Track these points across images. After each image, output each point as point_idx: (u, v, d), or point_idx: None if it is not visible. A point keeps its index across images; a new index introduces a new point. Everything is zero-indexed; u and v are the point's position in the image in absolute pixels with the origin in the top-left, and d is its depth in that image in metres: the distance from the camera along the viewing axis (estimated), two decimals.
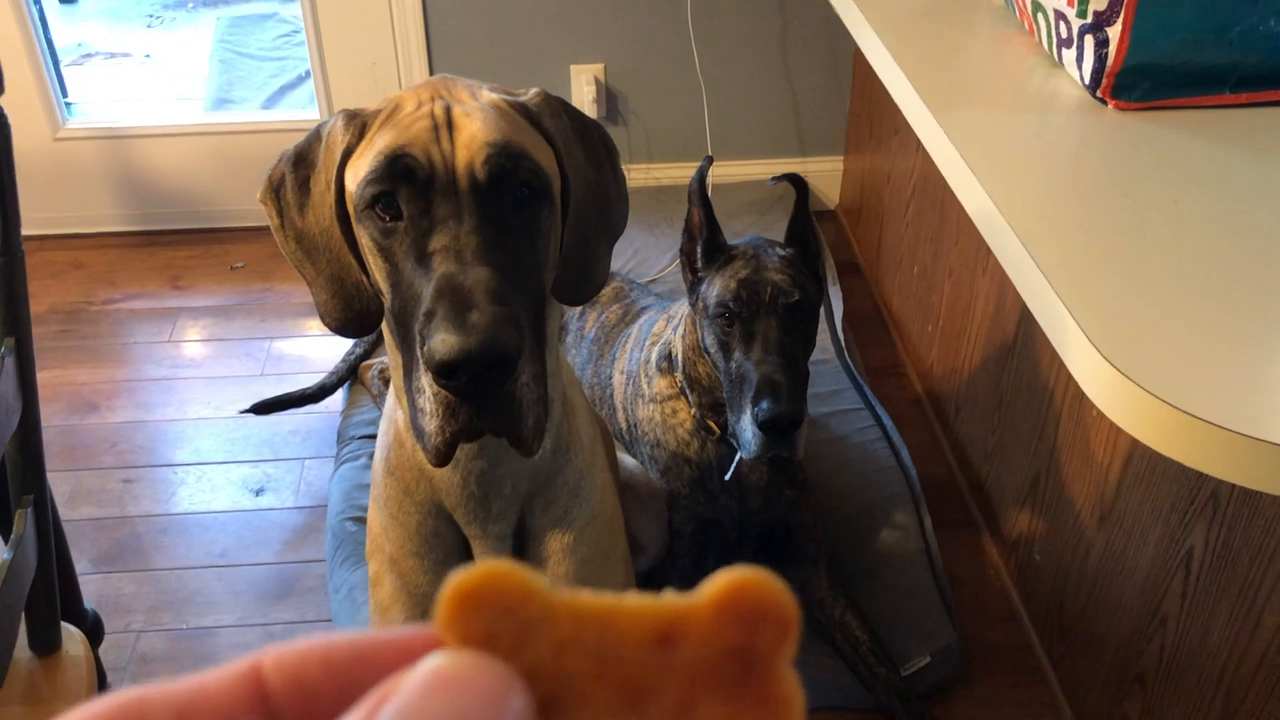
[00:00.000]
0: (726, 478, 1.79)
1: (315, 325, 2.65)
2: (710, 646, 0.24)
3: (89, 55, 3.96)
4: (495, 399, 0.90)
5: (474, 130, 0.93)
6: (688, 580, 1.83)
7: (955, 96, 1.31)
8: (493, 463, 1.07)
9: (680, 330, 1.84)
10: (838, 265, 2.78)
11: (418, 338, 0.89)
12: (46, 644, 1.32)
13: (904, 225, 2.53)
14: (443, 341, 0.84)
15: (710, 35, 2.79)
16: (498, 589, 0.24)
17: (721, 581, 0.25)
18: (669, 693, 0.24)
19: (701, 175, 1.78)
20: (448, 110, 0.94)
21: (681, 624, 0.25)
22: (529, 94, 1.03)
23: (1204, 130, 1.20)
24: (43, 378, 2.46)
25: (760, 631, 0.24)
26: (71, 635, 1.36)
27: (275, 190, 1.05)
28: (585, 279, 1.06)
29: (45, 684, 1.31)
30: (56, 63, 2.86)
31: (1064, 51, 1.30)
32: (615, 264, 2.62)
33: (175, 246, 2.91)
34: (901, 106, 1.36)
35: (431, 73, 2.80)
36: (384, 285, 0.96)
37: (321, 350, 2.54)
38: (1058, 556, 1.83)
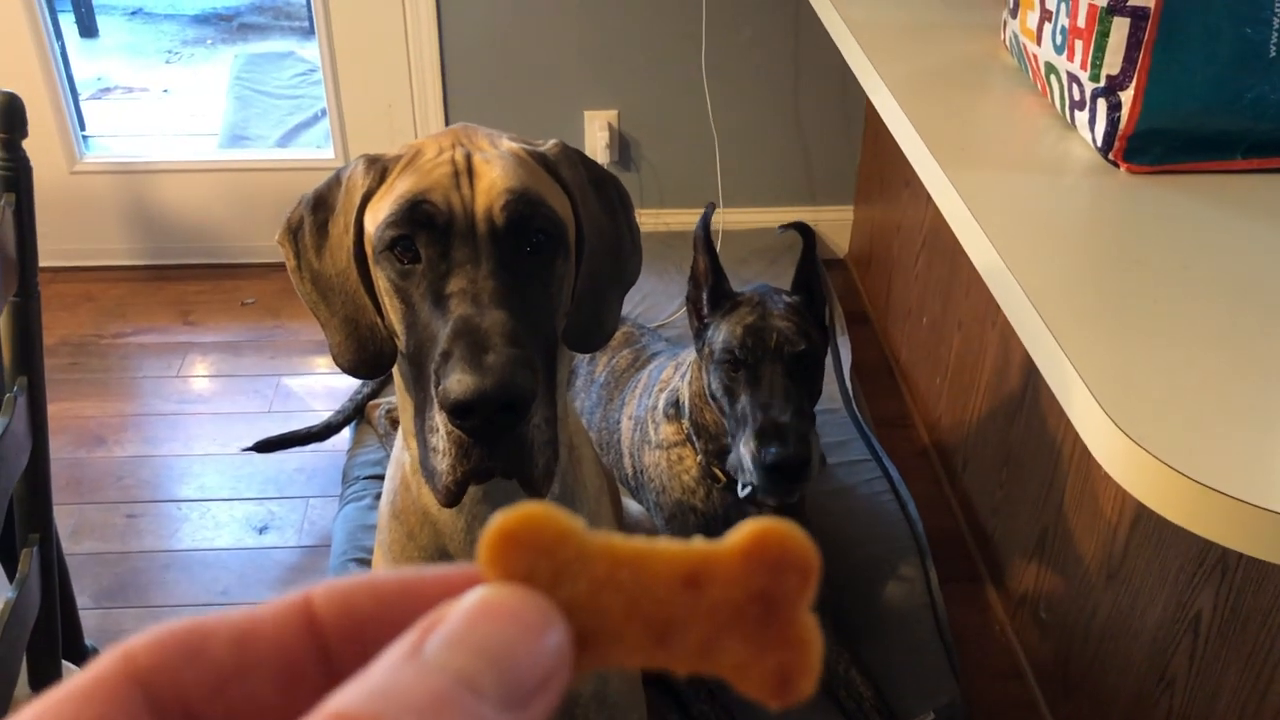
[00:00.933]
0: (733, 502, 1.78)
1: (324, 363, 2.66)
2: (735, 590, 0.26)
3: (108, 90, 4.00)
4: (508, 440, 0.91)
5: (494, 177, 0.95)
6: None
7: (967, 155, 1.32)
8: (496, 507, 1.07)
9: (687, 377, 1.84)
10: (846, 315, 2.79)
11: (433, 377, 0.90)
12: (47, 683, 1.31)
13: (914, 276, 2.54)
14: (458, 381, 0.86)
15: (723, 84, 2.82)
16: (537, 530, 0.25)
17: (748, 529, 0.26)
18: (695, 631, 0.25)
19: (706, 222, 1.79)
20: (468, 157, 0.96)
21: (709, 568, 0.26)
22: (547, 144, 1.05)
23: (1215, 196, 1.20)
24: (51, 410, 2.46)
25: (783, 577, 0.26)
26: (72, 675, 1.35)
27: (293, 233, 1.06)
28: (596, 327, 1.07)
29: None
30: (75, 96, 2.89)
31: (1076, 113, 1.31)
32: (624, 309, 2.63)
33: (186, 281, 2.92)
34: (914, 163, 1.37)
35: (447, 115, 2.82)
36: (399, 327, 0.98)
37: (329, 388, 2.54)
38: (1064, 614, 1.82)
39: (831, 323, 2.68)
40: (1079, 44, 1.25)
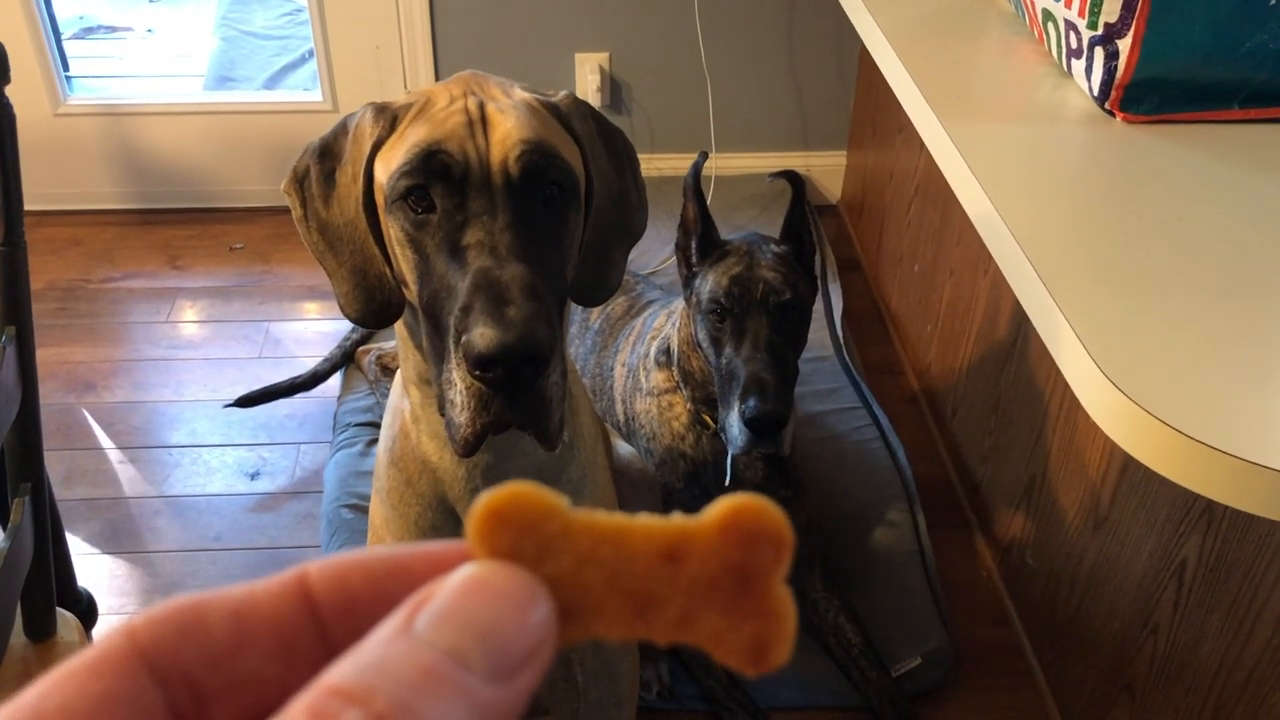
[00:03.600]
0: (726, 484, 1.79)
1: (314, 308, 2.65)
2: (712, 563, 0.27)
3: (90, 29, 3.94)
4: (526, 394, 0.91)
5: (509, 127, 0.94)
6: None
7: (962, 103, 1.31)
8: (499, 457, 1.08)
9: (677, 324, 1.84)
10: (838, 261, 2.78)
11: (452, 331, 0.90)
12: (42, 630, 1.32)
13: (906, 223, 2.53)
14: (482, 335, 0.86)
15: (717, 27, 2.78)
16: (523, 508, 0.26)
17: (724, 505, 0.27)
18: (674, 603, 0.26)
19: (697, 170, 1.78)
20: (481, 106, 0.95)
21: (687, 542, 0.27)
22: (559, 95, 1.04)
23: (1211, 145, 1.19)
24: (40, 356, 2.45)
25: (758, 550, 0.27)
26: (66, 621, 1.36)
27: (299, 182, 1.05)
28: (601, 281, 1.07)
29: (40, 670, 1.31)
30: (58, 37, 2.85)
31: (1073, 62, 1.29)
32: None
33: (174, 226, 2.90)
34: (908, 110, 1.35)
35: (436, 57, 2.78)
36: (410, 277, 0.97)
37: (320, 333, 2.54)
38: (1050, 561, 1.83)
39: (823, 270, 2.68)
40: None
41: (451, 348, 0.91)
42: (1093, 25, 1.22)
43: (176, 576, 1.98)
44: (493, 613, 0.23)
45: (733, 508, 0.27)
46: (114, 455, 2.22)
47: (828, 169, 3.05)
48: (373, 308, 1.03)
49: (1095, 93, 1.25)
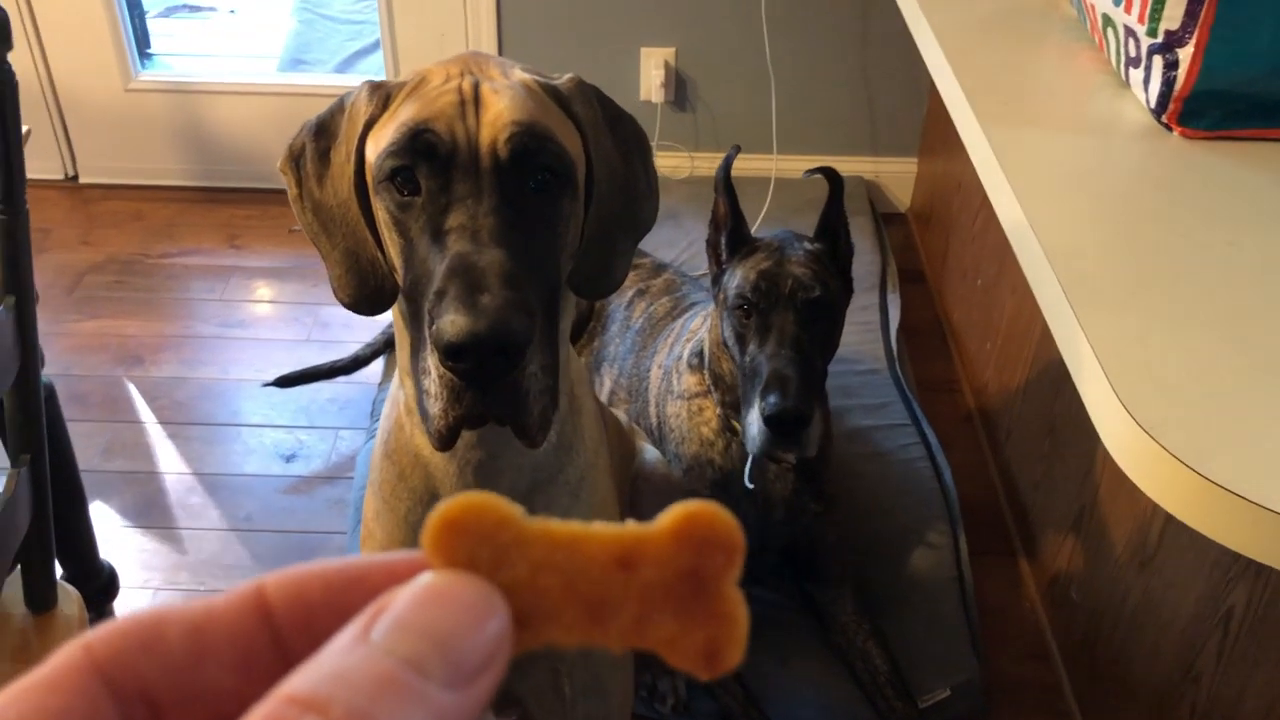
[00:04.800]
0: (748, 483, 1.73)
1: None
2: (666, 569, 0.27)
3: (175, 8, 4.00)
4: (502, 386, 0.87)
5: (500, 108, 0.90)
6: None
7: (1010, 110, 1.23)
8: (491, 454, 1.04)
9: (708, 325, 1.79)
10: (902, 272, 2.69)
11: (426, 317, 0.86)
12: (42, 601, 1.31)
13: (971, 236, 2.44)
14: (451, 323, 0.82)
15: (786, 25, 2.71)
16: (477, 517, 0.26)
17: (677, 512, 0.27)
18: (629, 609, 0.27)
19: (727, 164, 1.73)
20: (476, 86, 0.91)
21: (640, 549, 0.27)
22: (563, 78, 1.00)
23: (1273, 166, 1.11)
24: (94, 326, 2.49)
25: (710, 556, 0.27)
26: (68, 595, 1.35)
27: (295, 160, 1.02)
28: (604, 273, 1.02)
29: (37, 642, 1.30)
30: (135, 13, 2.88)
31: (1131, 71, 1.21)
32: (670, 255, 2.57)
33: (235, 205, 2.92)
34: (951, 112, 1.28)
35: (500, 47, 2.76)
36: (397, 261, 0.94)
37: (368, 320, 2.53)
38: (1095, 597, 1.74)
39: (883, 280, 2.59)
40: None
41: (426, 335, 0.87)
42: (1152, 32, 1.14)
43: (203, 555, 1.98)
44: (449, 621, 0.23)
45: (685, 514, 0.27)
46: (155, 430, 2.24)
47: (898, 176, 2.96)
48: (365, 293, 1.00)
49: (1152, 104, 1.17)
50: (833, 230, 1.69)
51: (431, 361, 0.87)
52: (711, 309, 1.83)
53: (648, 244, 2.53)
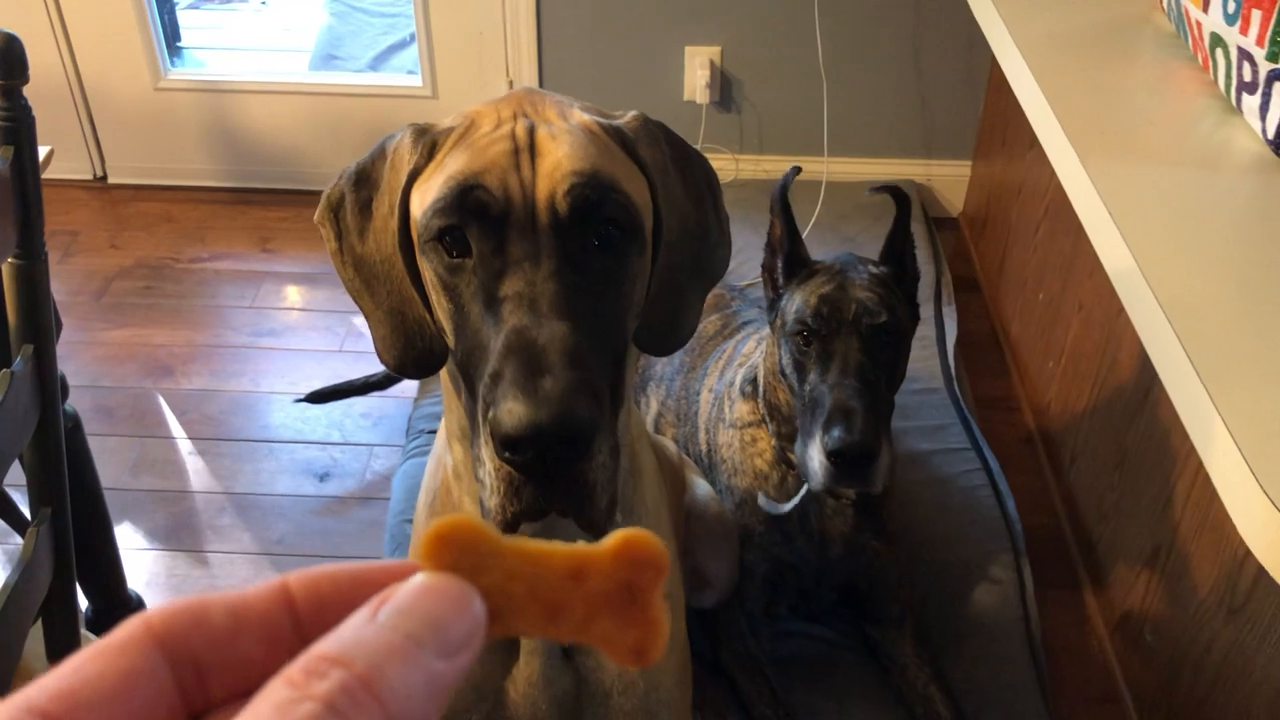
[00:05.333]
0: (786, 507, 1.63)
1: None
2: (609, 581, 0.33)
3: (205, 0, 3.93)
4: (565, 478, 0.78)
5: (559, 157, 0.81)
6: (757, 626, 1.69)
7: (1107, 139, 1.13)
8: (548, 526, 0.95)
9: (764, 351, 1.69)
10: (955, 281, 2.58)
11: (481, 401, 0.77)
12: (64, 656, 1.24)
13: (1033, 246, 2.33)
14: (509, 412, 0.73)
15: (836, 23, 2.60)
16: (462, 533, 0.32)
17: (617, 536, 0.33)
18: (577, 611, 0.33)
19: (785, 185, 1.63)
20: (531, 131, 0.83)
21: (589, 564, 0.33)
22: (626, 117, 0.91)
23: None
24: (123, 335, 2.43)
25: (642, 572, 0.33)
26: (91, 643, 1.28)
27: (334, 211, 0.93)
28: (672, 328, 0.93)
29: None
30: (166, 9, 2.81)
31: (1244, 97, 1.10)
32: None
33: (267, 206, 2.84)
34: (1044, 143, 1.18)
35: (540, 45, 2.66)
36: (447, 325, 0.85)
37: None
38: (1173, 641, 1.64)
39: (938, 291, 2.49)
40: (1256, 15, 1.05)
41: (480, 421, 0.78)
42: (1273, 57, 1.03)
43: (234, 580, 1.91)
44: (439, 608, 0.29)
45: (624, 538, 0.33)
46: (184, 446, 2.17)
47: (950, 179, 2.84)
48: (412, 355, 0.91)
49: (1270, 135, 1.06)
50: (899, 253, 1.59)
51: (487, 453, 0.78)
52: (766, 332, 1.74)
53: None
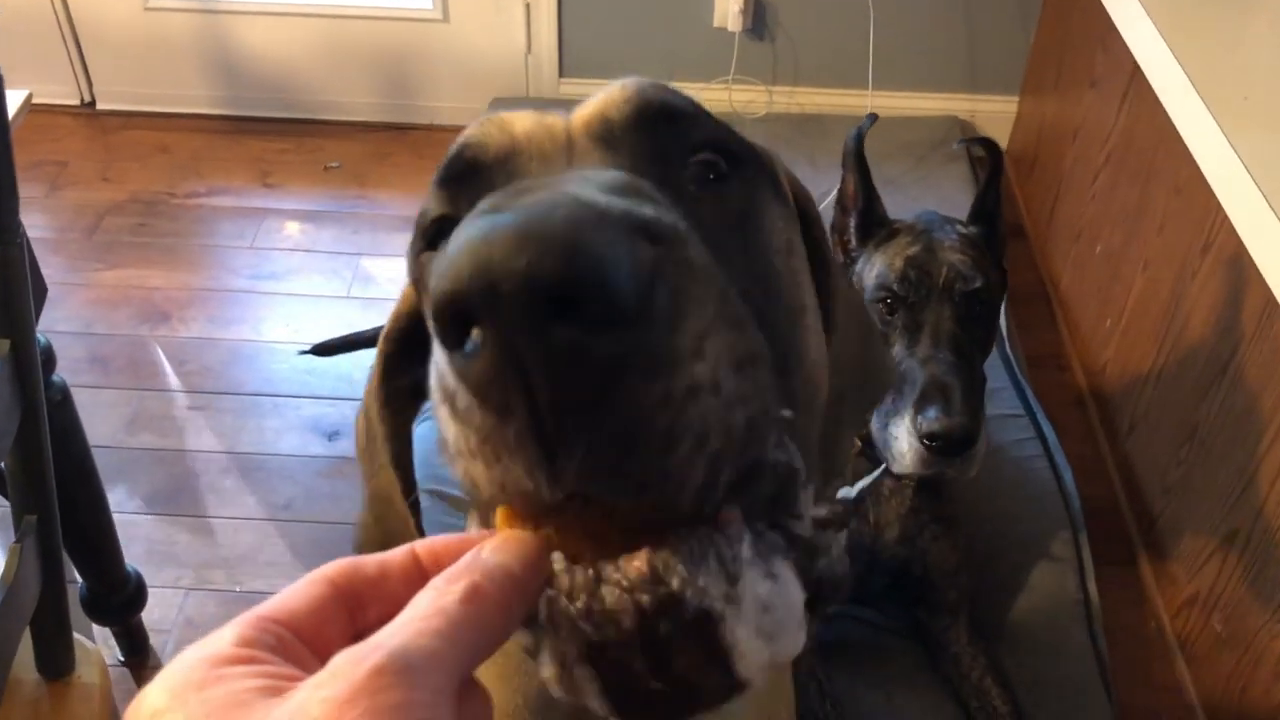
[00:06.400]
0: (856, 490, 1.51)
1: (409, 241, 2.40)
2: None
3: None
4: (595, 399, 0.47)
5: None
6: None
7: (1254, 106, 0.98)
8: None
9: None
10: None
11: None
12: (56, 668, 1.12)
13: (1089, 195, 2.17)
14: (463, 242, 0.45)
15: None
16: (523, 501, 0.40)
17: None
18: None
19: (860, 136, 1.47)
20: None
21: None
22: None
23: None
24: (115, 277, 2.28)
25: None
26: (88, 654, 1.16)
27: None
28: (830, 448, 0.63)
29: (50, 713, 1.12)
30: None
31: None
32: None
33: (267, 137, 2.67)
34: (1174, 117, 1.03)
35: None
36: None
37: None
38: (1248, 635, 1.53)
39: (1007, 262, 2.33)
40: None
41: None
42: None
43: (239, 549, 1.79)
44: (520, 551, 0.39)
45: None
46: (182, 400, 2.03)
47: (995, 115, 2.67)
48: None
49: None
50: (989, 213, 1.44)
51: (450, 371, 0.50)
52: None
53: None
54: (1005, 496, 1.79)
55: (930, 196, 2.34)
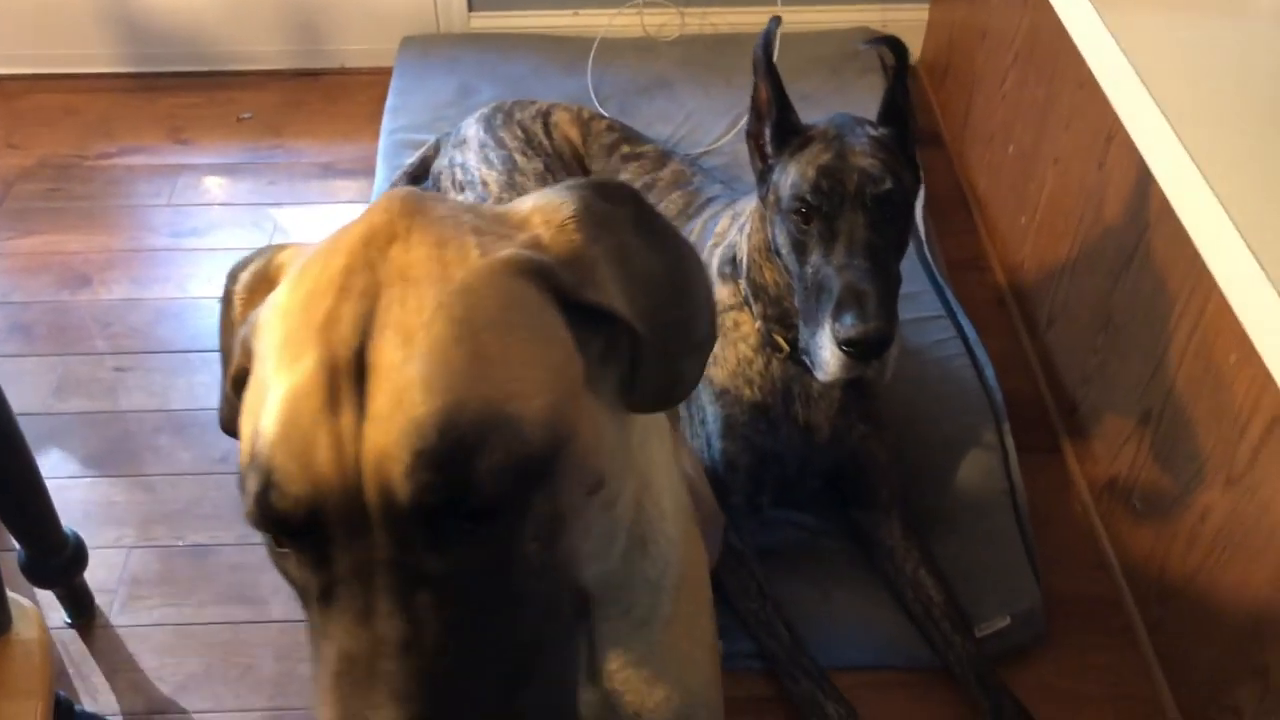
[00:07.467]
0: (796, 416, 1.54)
1: (328, 189, 2.39)
2: None
3: None
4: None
5: (400, 392, 0.53)
6: (740, 519, 1.61)
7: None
8: None
9: (746, 229, 1.57)
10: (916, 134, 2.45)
11: None
12: None
13: (1000, 96, 2.20)
14: None
15: None
16: None
17: None
18: None
19: (768, 40, 1.49)
20: (363, 340, 0.55)
21: None
22: (549, 212, 0.63)
23: None
24: (32, 244, 2.24)
25: None
26: (25, 613, 1.16)
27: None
28: (672, 384, 0.68)
29: None
30: None
31: None
32: (665, 132, 2.32)
33: (177, 93, 2.62)
34: (1060, 12, 1.05)
35: None
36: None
37: (335, 220, 2.28)
38: (1165, 511, 1.59)
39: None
40: None
41: None
42: None
43: (179, 503, 1.79)
44: None
45: None
46: (111, 361, 2.02)
47: (907, 24, 2.68)
48: None
49: None
50: (899, 111, 1.46)
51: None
52: (744, 208, 1.61)
53: (640, 121, 2.28)
54: (930, 395, 1.84)
55: (847, 109, 2.35)
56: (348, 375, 0.54)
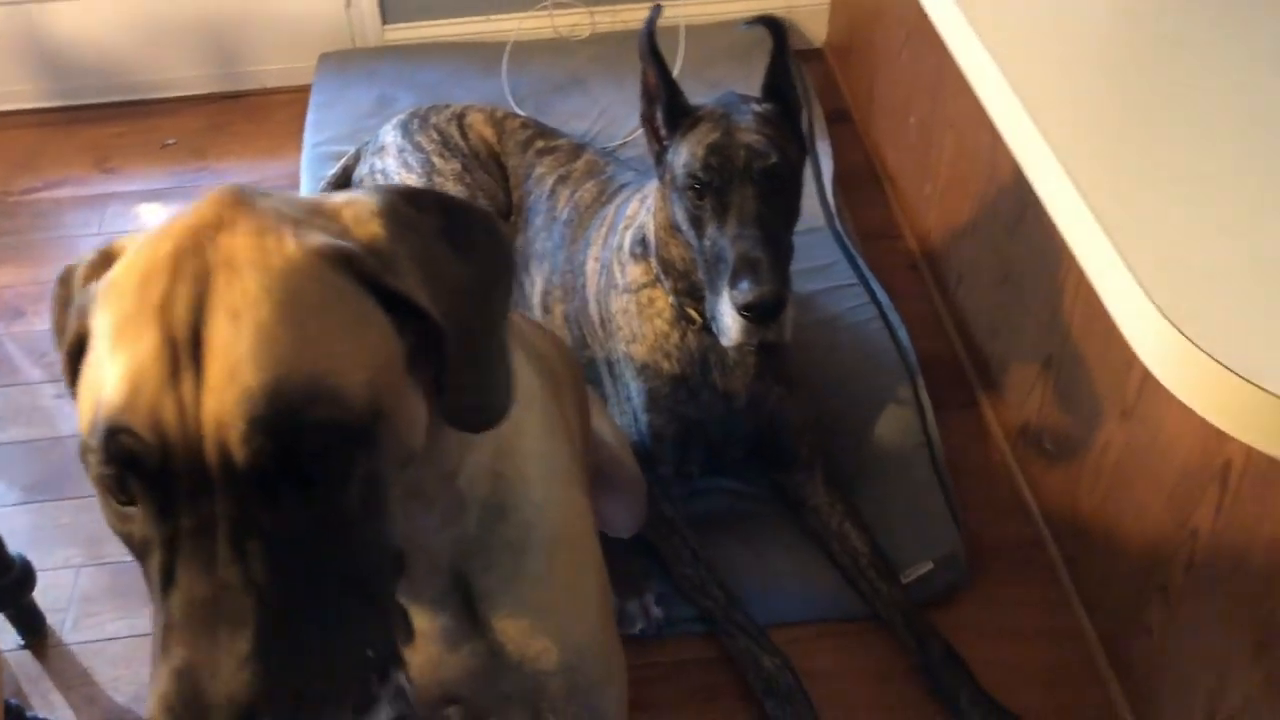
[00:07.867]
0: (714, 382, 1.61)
1: None
2: None
3: None
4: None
5: (232, 363, 0.60)
6: (669, 488, 1.68)
7: None
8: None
9: (651, 209, 1.64)
10: (825, 113, 2.53)
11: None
12: None
13: (898, 69, 2.28)
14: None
15: None
16: None
17: None
18: None
19: (650, 27, 1.56)
20: (199, 307, 0.61)
21: None
22: (358, 207, 0.68)
23: None
24: None
25: None
26: None
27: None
28: (489, 393, 0.74)
29: None
30: None
31: None
32: (581, 128, 2.38)
33: (100, 123, 2.64)
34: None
35: None
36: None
37: None
38: (1072, 449, 1.67)
39: (810, 128, 2.44)
40: None
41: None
42: None
43: None
44: None
45: None
46: (49, 389, 2.04)
47: (810, 8, 2.76)
48: None
49: None
50: (781, 86, 1.54)
51: None
52: (651, 190, 1.68)
53: (556, 119, 2.34)
54: (846, 358, 1.91)
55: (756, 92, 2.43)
56: (186, 350, 0.60)
